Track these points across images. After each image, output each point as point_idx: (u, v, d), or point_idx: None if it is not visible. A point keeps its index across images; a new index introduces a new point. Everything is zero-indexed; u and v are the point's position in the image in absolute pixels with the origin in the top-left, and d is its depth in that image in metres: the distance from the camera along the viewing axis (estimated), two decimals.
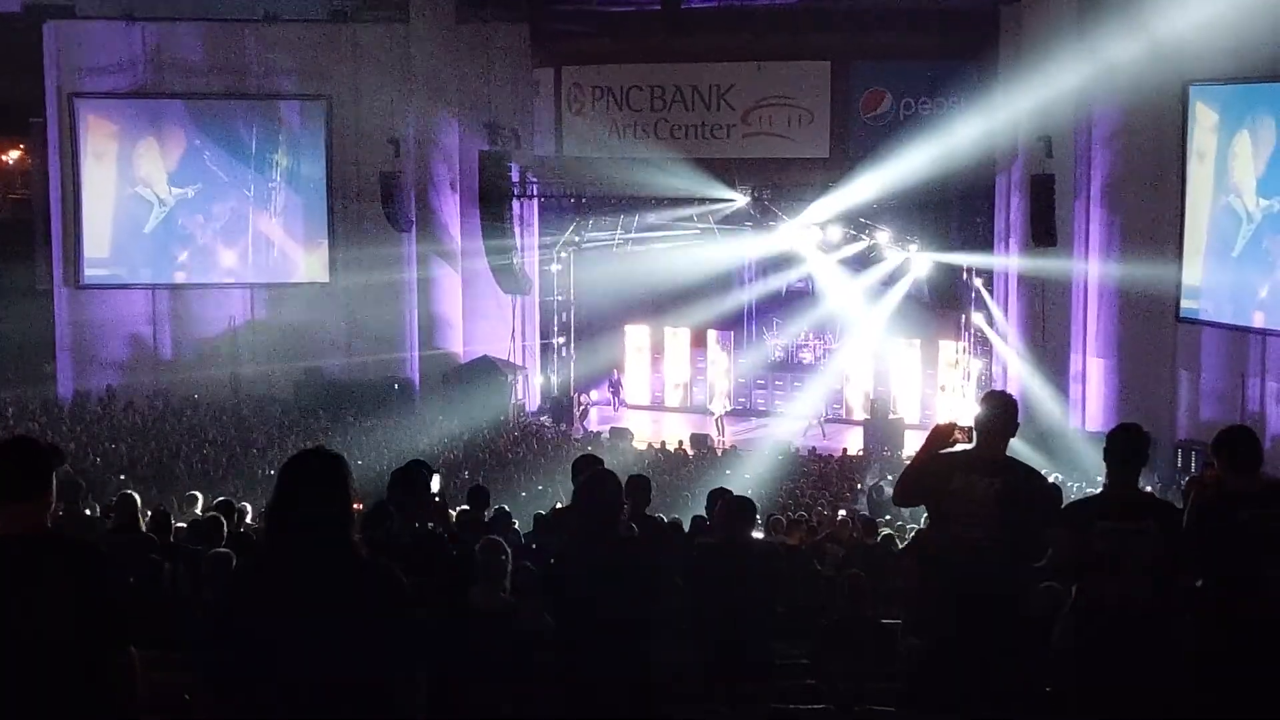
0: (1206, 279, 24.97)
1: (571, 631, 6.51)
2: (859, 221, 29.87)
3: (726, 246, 31.14)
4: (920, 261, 30.29)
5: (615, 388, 34.51)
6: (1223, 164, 24.45)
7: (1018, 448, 6.56)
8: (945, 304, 31.56)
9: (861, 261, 31.02)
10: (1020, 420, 6.55)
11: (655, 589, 6.55)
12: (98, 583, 4.70)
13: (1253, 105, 23.70)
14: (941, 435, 6.57)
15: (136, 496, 11.05)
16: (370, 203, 30.12)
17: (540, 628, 6.92)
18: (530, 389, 32.72)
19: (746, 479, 19.02)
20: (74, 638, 4.64)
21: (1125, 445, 6.55)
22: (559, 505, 14.54)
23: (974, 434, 6.55)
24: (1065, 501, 6.63)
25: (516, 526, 12.87)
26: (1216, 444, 6.43)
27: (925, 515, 6.89)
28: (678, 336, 34.82)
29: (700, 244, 31.26)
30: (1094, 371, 27.34)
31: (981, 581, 6.26)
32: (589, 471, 6.77)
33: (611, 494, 6.46)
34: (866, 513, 16.32)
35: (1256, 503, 6.23)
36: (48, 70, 30.91)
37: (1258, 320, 23.93)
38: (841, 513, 18.57)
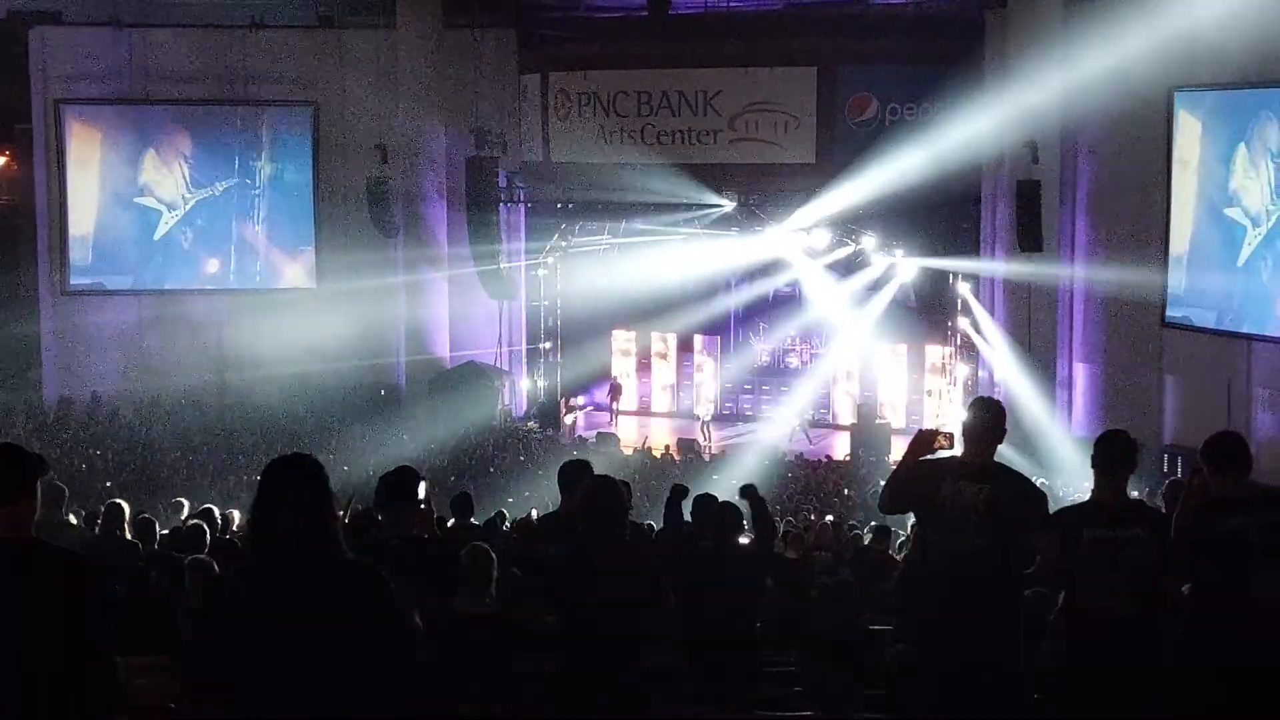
0: (1191, 287, 25.04)
1: (572, 633, 6.53)
2: (845, 226, 29.87)
3: (713, 251, 31.11)
4: (907, 267, 30.29)
5: (615, 394, 34.14)
6: (1212, 173, 24.46)
7: (1004, 453, 6.56)
8: (932, 309, 31.57)
9: (848, 267, 31.00)
10: (1007, 426, 6.56)
11: (655, 594, 6.59)
12: (82, 590, 4.69)
13: (1250, 112, 23.69)
14: (924, 441, 6.57)
15: (125, 505, 11.04)
16: (357, 208, 30.11)
17: (541, 630, 6.94)
18: (517, 394, 32.71)
19: (733, 484, 18.97)
20: (58, 645, 4.63)
21: (1114, 451, 6.56)
22: (534, 513, 14.54)
23: (955, 440, 6.56)
24: (1053, 506, 6.63)
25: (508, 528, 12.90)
26: (1205, 450, 6.43)
27: (912, 522, 6.88)
28: (665, 341, 34.82)
29: (687, 249, 31.25)
30: (1080, 376, 27.40)
31: (971, 588, 6.26)
32: (594, 477, 6.79)
33: (616, 500, 6.49)
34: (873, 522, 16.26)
35: (1245, 509, 6.24)
36: (34, 77, 30.89)
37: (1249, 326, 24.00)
38: (829, 518, 18.57)
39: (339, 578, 4.50)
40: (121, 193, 31.46)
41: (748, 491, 8.70)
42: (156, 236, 31.67)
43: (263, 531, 4.57)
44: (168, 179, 31.49)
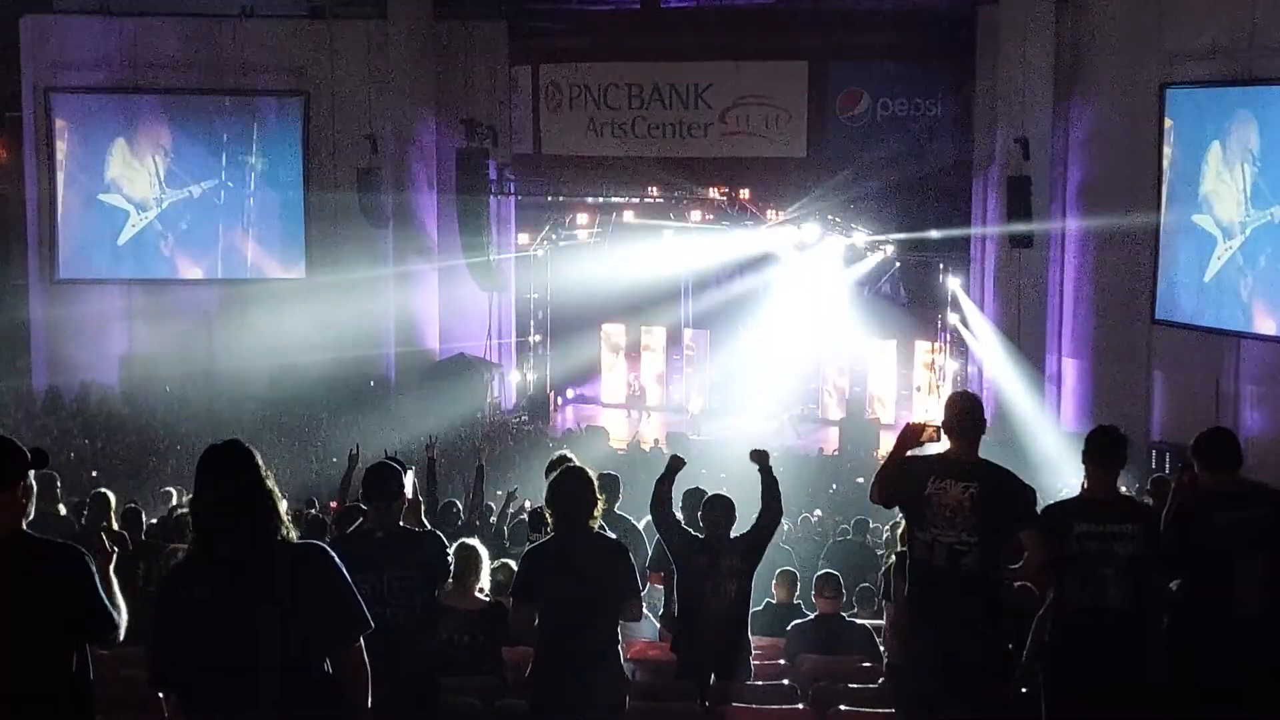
0: (1169, 288, 25.13)
1: (546, 627, 6.53)
2: (835, 221, 29.89)
3: (703, 245, 31.13)
4: (896, 261, 30.34)
5: (634, 397, 33.93)
6: (1183, 177, 24.51)
7: (992, 449, 6.55)
8: (921, 304, 31.59)
9: (837, 261, 31.02)
10: (991, 419, 6.55)
11: (627, 586, 6.57)
12: (74, 582, 4.68)
13: (1227, 111, 23.68)
14: (913, 433, 6.57)
15: (111, 495, 11.03)
16: (347, 199, 30.01)
17: (525, 625, 6.94)
18: (506, 387, 32.67)
19: (722, 478, 18.96)
20: (47, 636, 4.63)
21: (1104, 446, 6.57)
22: (527, 503, 14.58)
23: (941, 433, 6.53)
24: (1040, 502, 6.63)
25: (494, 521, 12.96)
26: (1196, 445, 6.45)
27: (900, 520, 6.88)
28: (654, 335, 34.79)
29: (677, 242, 31.25)
30: (1069, 372, 27.43)
31: (959, 584, 6.26)
32: (560, 469, 6.79)
33: (582, 490, 6.48)
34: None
35: (1235, 504, 6.25)
36: (24, 64, 30.76)
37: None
38: (818, 513, 18.59)
39: (282, 560, 4.50)
40: (87, 189, 31.09)
41: (757, 456, 8.61)
42: (121, 241, 31.15)
43: (201, 519, 4.58)
44: (139, 174, 31.05)
